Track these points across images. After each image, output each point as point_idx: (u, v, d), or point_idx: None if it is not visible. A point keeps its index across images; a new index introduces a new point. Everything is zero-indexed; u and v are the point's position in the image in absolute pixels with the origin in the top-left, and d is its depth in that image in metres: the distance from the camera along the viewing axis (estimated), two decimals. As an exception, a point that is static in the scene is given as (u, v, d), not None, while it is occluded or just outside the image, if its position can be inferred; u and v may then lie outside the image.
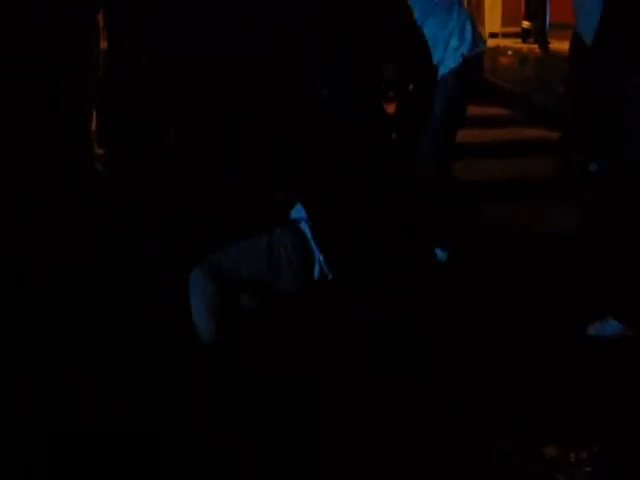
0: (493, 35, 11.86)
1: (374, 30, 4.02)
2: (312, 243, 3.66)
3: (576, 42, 5.72)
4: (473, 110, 6.52)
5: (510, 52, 10.17)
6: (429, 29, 4.26)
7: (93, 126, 4.38)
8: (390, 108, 4.38)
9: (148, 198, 4.00)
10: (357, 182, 3.95)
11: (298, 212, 3.77)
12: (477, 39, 4.42)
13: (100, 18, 4.49)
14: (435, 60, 4.28)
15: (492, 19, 11.91)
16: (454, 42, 4.28)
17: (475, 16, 6.66)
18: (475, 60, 4.42)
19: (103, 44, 4.55)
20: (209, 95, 4.00)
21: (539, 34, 10.81)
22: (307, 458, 2.84)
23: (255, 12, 3.98)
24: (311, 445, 2.89)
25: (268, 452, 2.85)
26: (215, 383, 3.20)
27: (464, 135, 6.37)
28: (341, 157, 3.97)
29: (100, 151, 4.48)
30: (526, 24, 11.26)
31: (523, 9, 11.30)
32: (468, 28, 4.34)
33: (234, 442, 2.89)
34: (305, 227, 3.71)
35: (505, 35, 11.68)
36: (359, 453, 2.86)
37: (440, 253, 4.02)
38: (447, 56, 4.29)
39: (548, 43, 10.64)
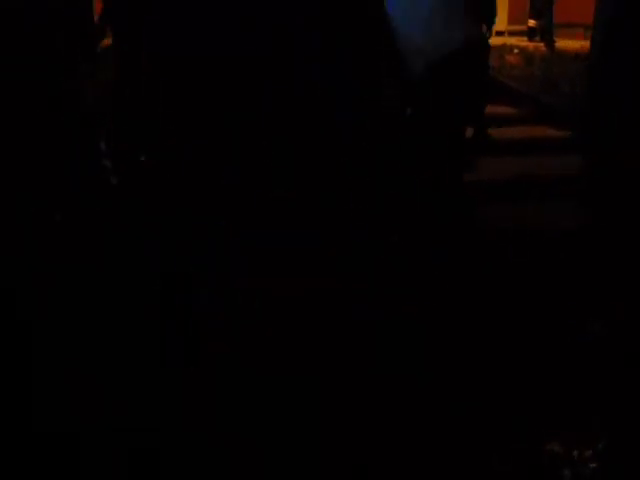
0: (499, 33, 11.84)
1: (374, 30, 3.99)
2: None
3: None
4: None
5: (516, 50, 10.15)
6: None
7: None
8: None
9: (148, 198, 4.01)
10: (357, 182, 3.95)
11: None
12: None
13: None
14: None
15: (498, 17, 11.90)
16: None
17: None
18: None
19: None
20: (209, 95, 3.99)
21: (545, 32, 10.79)
22: (307, 458, 2.83)
23: (255, 12, 3.98)
24: (311, 445, 2.89)
25: (268, 452, 2.84)
26: (215, 384, 3.20)
27: (471, 134, 6.39)
28: (341, 157, 3.97)
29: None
30: (532, 22, 11.24)
31: (529, 7, 11.28)
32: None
33: (234, 442, 2.89)
34: None
35: (511, 33, 11.67)
36: (359, 453, 2.85)
37: None
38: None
39: (554, 42, 10.62)
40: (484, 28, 6.20)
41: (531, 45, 10.78)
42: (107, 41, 4.79)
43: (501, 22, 11.77)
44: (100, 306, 3.61)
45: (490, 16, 6.72)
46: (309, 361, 3.33)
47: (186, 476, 2.79)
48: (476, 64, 4.06)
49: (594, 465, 2.77)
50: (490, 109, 6.78)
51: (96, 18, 4.58)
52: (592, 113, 5.33)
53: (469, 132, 6.38)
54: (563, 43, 10.63)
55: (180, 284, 3.60)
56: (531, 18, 11.21)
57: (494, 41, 9.19)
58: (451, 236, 3.80)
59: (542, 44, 10.70)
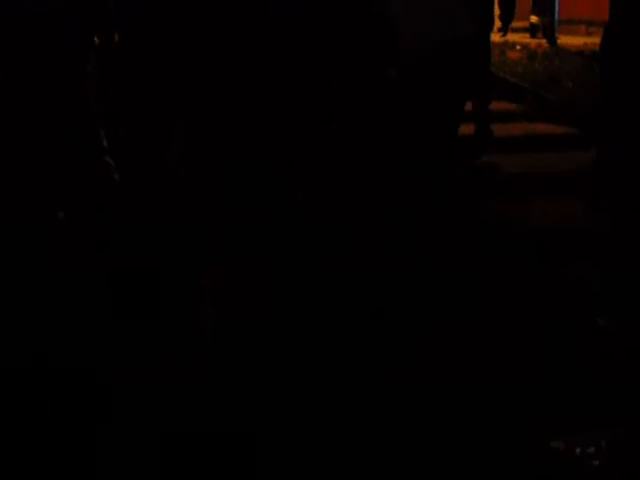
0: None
1: (377, 24, 4.00)
2: None
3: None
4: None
5: (519, 47, 10.15)
6: None
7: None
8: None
9: (155, 198, 4.00)
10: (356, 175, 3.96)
11: None
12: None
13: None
14: None
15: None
16: None
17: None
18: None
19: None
20: (211, 95, 4.00)
21: (547, 29, 10.78)
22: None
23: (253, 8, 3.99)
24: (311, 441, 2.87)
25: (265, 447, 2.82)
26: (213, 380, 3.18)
27: (473, 130, 6.39)
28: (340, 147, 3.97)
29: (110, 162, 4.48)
30: (534, 19, 11.24)
31: (531, 4, 11.27)
32: None
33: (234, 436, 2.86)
34: None
35: (514, 30, 11.65)
36: (358, 451, 2.82)
37: None
38: None
39: (556, 38, 10.62)
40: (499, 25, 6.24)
41: (533, 42, 10.78)
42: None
43: (503, 19, 11.75)
44: (101, 302, 3.61)
45: (508, 15, 6.74)
46: (308, 355, 3.32)
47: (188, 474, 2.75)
48: (465, 59, 4.06)
49: (600, 461, 2.77)
50: (492, 105, 6.79)
51: None
52: (605, 108, 5.31)
53: (472, 129, 6.40)
54: (565, 40, 10.63)
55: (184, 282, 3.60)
56: (533, 14, 11.20)
57: (497, 38, 9.19)
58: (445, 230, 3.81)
59: (544, 41, 10.70)
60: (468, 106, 6.49)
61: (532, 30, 11.34)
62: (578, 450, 2.79)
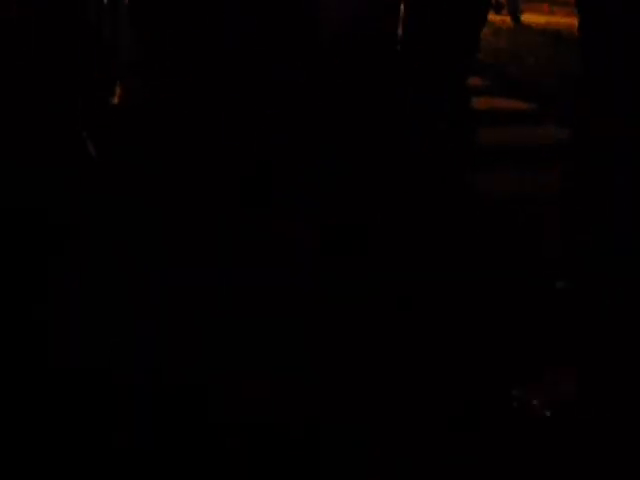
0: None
1: None
2: None
3: None
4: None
5: (483, 23, 10.27)
6: None
7: None
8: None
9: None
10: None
11: None
12: None
13: None
14: None
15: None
16: None
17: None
18: None
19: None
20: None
21: (512, 7, 10.97)
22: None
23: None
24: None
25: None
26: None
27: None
28: None
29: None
30: (499, -4, 11.43)
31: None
32: None
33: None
34: None
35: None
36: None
37: None
38: None
39: (520, 16, 10.81)
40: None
41: (498, 18, 10.94)
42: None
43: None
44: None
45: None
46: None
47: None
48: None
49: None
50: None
51: None
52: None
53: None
54: (529, 17, 10.81)
55: None
56: (498, -8, 11.39)
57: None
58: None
59: (508, 18, 10.87)
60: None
61: (497, 7, 11.51)
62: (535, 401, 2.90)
